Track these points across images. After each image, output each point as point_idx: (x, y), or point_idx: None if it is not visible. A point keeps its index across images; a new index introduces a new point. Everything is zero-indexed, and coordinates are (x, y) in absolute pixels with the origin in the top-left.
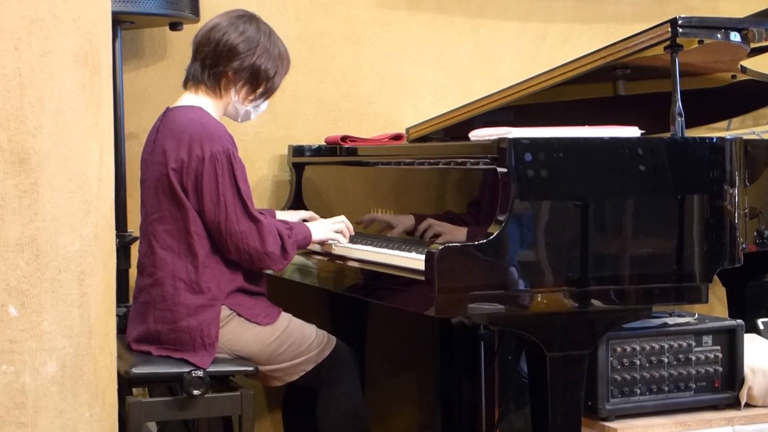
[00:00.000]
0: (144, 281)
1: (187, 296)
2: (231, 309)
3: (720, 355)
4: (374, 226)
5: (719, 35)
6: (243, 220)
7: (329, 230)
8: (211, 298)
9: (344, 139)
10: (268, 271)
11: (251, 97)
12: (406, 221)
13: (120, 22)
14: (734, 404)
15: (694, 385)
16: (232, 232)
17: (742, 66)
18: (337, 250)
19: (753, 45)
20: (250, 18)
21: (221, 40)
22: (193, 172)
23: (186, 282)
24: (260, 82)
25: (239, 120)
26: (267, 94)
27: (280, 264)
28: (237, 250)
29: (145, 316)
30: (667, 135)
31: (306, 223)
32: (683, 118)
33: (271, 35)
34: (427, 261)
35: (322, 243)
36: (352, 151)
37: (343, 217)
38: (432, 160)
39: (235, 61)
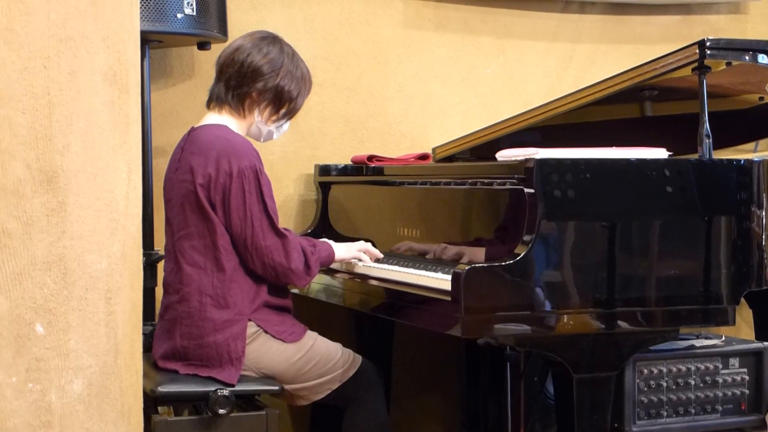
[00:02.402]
0: (170, 298)
1: (214, 311)
2: (257, 325)
3: (747, 377)
4: (400, 245)
5: (747, 57)
6: (269, 235)
7: (352, 250)
8: (237, 313)
9: (371, 158)
10: (294, 290)
11: (274, 118)
12: (432, 241)
13: (148, 41)
14: (761, 427)
15: (720, 408)
16: (257, 246)
17: None
18: (361, 270)
19: None
20: (273, 39)
21: (245, 61)
22: (220, 187)
23: (212, 297)
24: (283, 102)
25: (262, 140)
26: (290, 114)
27: (304, 280)
28: (262, 264)
29: (172, 332)
30: (695, 157)
31: (330, 242)
32: (711, 140)
33: (294, 56)
34: (453, 281)
35: (343, 261)
36: (379, 171)
37: (369, 244)
38: (458, 180)
39: (259, 83)
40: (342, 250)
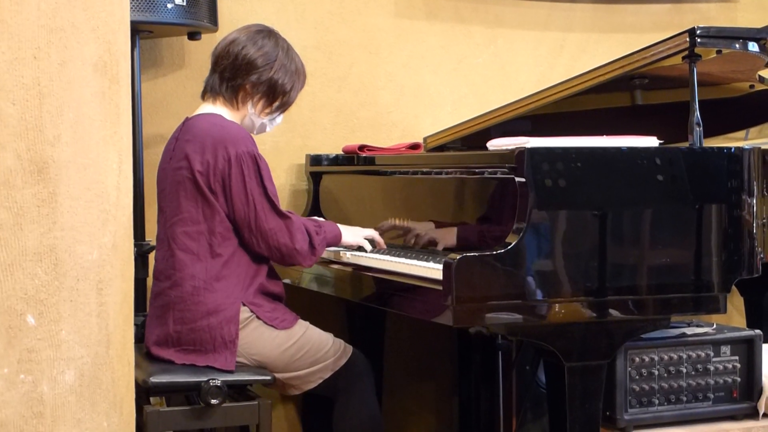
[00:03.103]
0: (162, 285)
1: (207, 295)
2: (250, 311)
3: (738, 365)
4: (391, 235)
5: (737, 45)
6: (272, 218)
7: (359, 236)
8: (230, 297)
9: (362, 148)
10: (286, 280)
11: (267, 111)
12: (423, 230)
13: (139, 31)
14: (752, 414)
15: (712, 396)
16: (262, 229)
17: (760, 76)
18: (353, 260)
19: None
20: (268, 33)
21: (240, 54)
22: (219, 173)
23: (205, 282)
24: (277, 96)
25: (255, 132)
26: (283, 107)
27: (309, 260)
28: (267, 246)
29: (164, 318)
30: (686, 145)
31: (337, 225)
32: (701, 128)
33: (289, 50)
34: (445, 270)
35: (350, 247)
36: (370, 161)
37: (376, 233)
38: (449, 170)
39: (253, 75)
40: (349, 235)
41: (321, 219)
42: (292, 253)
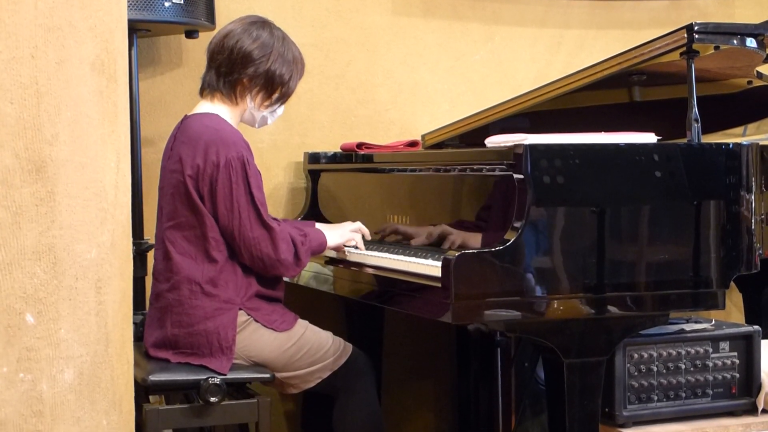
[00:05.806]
0: (160, 286)
1: (204, 300)
2: (248, 314)
3: (737, 361)
4: (390, 233)
5: (735, 41)
6: (256, 227)
7: (346, 234)
8: (227, 301)
9: (360, 146)
10: (284, 278)
11: (267, 103)
12: (422, 228)
13: (136, 29)
14: (751, 410)
15: (711, 392)
16: (245, 238)
17: (758, 72)
18: (353, 257)
19: None
20: (263, 24)
21: (235, 47)
22: (208, 178)
23: (203, 286)
24: (275, 87)
25: (256, 126)
26: (283, 99)
27: (293, 271)
28: (250, 256)
29: (162, 320)
30: (684, 141)
31: (321, 229)
32: (699, 124)
33: (285, 40)
34: (443, 267)
35: (337, 249)
36: (368, 158)
37: (359, 223)
38: (447, 167)
39: (250, 68)
40: (335, 237)
41: (308, 224)
42: (275, 264)
